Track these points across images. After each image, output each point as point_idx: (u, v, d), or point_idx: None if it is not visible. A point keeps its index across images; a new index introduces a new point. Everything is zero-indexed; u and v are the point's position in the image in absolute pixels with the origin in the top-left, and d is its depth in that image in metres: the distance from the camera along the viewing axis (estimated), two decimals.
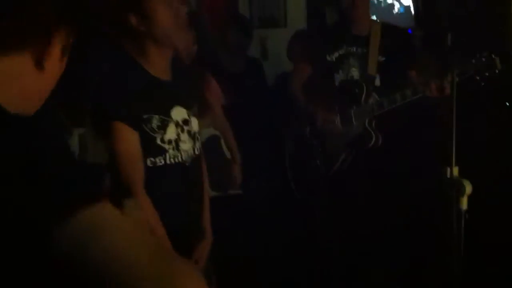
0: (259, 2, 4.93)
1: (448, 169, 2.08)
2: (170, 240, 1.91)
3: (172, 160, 2.04)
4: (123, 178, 1.92)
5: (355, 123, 3.00)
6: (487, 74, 2.60)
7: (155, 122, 1.98)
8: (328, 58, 3.12)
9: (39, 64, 0.87)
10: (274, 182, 4.24)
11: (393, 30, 3.15)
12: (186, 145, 2.08)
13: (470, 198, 2.02)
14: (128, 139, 1.94)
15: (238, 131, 3.73)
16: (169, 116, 2.02)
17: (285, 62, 4.23)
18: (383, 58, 3.05)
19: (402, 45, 3.07)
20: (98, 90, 1.95)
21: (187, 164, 2.10)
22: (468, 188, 2.04)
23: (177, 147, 2.05)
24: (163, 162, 2.01)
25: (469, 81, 2.60)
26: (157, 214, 1.96)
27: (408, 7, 4.23)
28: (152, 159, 2.00)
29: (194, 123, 2.13)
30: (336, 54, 3.11)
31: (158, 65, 2.01)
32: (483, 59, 2.62)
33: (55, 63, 0.91)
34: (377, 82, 3.04)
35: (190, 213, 2.16)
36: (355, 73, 3.08)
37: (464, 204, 2.02)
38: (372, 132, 2.96)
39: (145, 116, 1.96)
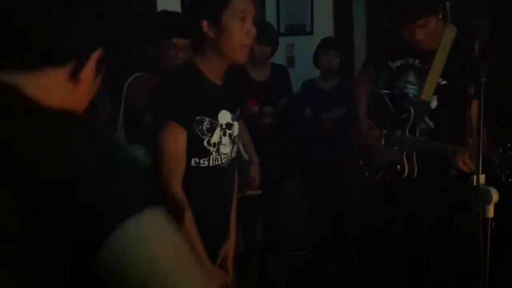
0: (286, 10, 4.96)
1: (475, 177, 2.07)
2: (202, 239, 1.98)
3: (214, 162, 2.08)
4: (164, 175, 1.97)
5: (396, 149, 2.78)
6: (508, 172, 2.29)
7: (205, 124, 2.03)
8: (390, 64, 2.85)
9: (73, 78, 0.93)
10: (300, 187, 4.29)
11: (466, 45, 2.65)
12: (227, 149, 2.12)
13: (496, 206, 2.01)
14: (177, 138, 1.99)
15: (264, 136, 3.78)
16: (217, 119, 2.07)
17: (311, 70, 4.25)
18: (444, 82, 2.70)
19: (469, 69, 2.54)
20: (157, 93, 2.05)
21: (225, 167, 2.14)
22: (495, 196, 2.03)
23: (218, 150, 2.09)
24: (206, 163, 2.06)
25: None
26: (192, 216, 1.99)
27: None
28: (196, 159, 2.04)
29: (236, 127, 2.17)
30: (398, 63, 2.82)
31: (216, 71, 2.07)
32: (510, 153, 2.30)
33: (89, 79, 0.96)
34: (434, 103, 2.73)
35: (222, 213, 2.21)
36: (410, 90, 2.78)
37: (491, 212, 2.01)
38: (406, 164, 2.73)
39: (197, 118, 2.01)
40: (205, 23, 1.96)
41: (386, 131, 2.82)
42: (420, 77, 2.74)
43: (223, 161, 2.13)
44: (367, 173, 2.91)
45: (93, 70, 0.95)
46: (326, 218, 4.03)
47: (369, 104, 3.00)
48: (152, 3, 4.15)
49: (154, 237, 0.83)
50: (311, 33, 5.03)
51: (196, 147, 2.03)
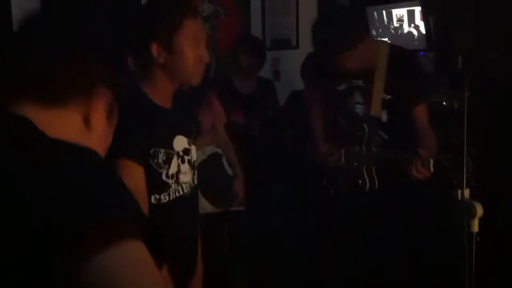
0: (271, 24, 4.97)
1: (459, 191, 2.08)
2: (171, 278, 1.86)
3: (174, 194, 1.95)
4: None
5: (356, 165, 2.87)
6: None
7: (161, 156, 1.89)
8: (337, 88, 2.91)
9: (86, 121, 0.96)
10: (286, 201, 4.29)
11: (402, 58, 2.81)
12: (187, 177, 1.99)
13: (481, 220, 2.02)
14: (135, 176, 1.82)
15: (252, 150, 3.79)
16: (172, 149, 1.94)
17: (297, 83, 4.26)
18: (389, 97, 2.78)
19: (411, 81, 2.75)
20: None
21: (187, 197, 2.01)
22: (479, 211, 2.03)
23: (177, 180, 1.95)
24: (167, 198, 1.93)
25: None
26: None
27: (419, 27, 4.25)
28: (156, 195, 1.91)
29: (193, 151, 2.04)
30: (343, 86, 2.89)
31: (163, 94, 1.94)
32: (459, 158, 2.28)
33: (101, 125, 0.99)
34: (385, 116, 2.82)
35: (189, 247, 2.09)
36: (359, 110, 2.87)
37: (475, 226, 2.01)
38: (366, 179, 2.83)
39: (151, 151, 1.87)
40: (154, 47, 1.85)
41: (345, 149, 2.91)
42: (366, 96, 2.84)
43: (185, 191, 1.99)
44: (331, 191, 3.00)
45: (103, 117, 0.97)
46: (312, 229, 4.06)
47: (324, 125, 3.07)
48: None
49: (134, 270, 0.82)
50: (297, 47, 5.05)
51: (154, 183, 1.87)
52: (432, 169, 2.43)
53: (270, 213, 4.21)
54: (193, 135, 2.05)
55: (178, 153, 1.95)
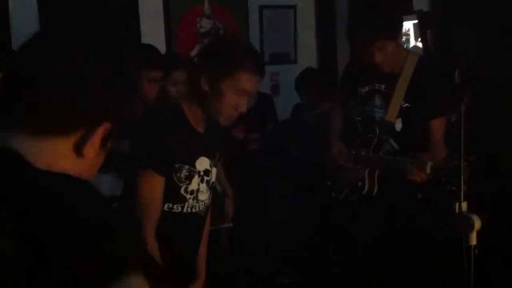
0: (270, 38, 5.00)
1: (457, 204, 2.09)
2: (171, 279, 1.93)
3: (189, 209, 2.06)
4: (138, 219, 1.93)
5: (359, 167, 2.90)
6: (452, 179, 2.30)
7: (184, 172, 2.00)
8: (360, 90, 2.97)
9: (78, 151, 0.96)
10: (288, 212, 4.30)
11: (428, 70, 2.85)
12: (204, 195, 2.10)
13: (479, 233, 2.02)
14: (155, 185, 1.96)
15: (252, 165, 3.80)
16: (195, 167, 2.04)
17: (296, 97, 4.29)
18: (407, 104, 2.80)
19: (433, 93, 2.75)
20: (141, 133, 1.99)
21: (202, 214, 2.13)
22: (477, 223, 2.04)
23: (196, 198, 2.07)
24: (179, 209, 2.04)
25: None
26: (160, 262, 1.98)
27: (416, 43, 4.27)
28: (170, 204, 2.02)
29: (213, 173, 2.15)
30: (366, 88, 2.95)
31: (200, 119, 2.05)
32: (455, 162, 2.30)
33: (93, 154, 0.98)
34: (399, 125, 2.84)
35: (192, 255, 2.21)
36: (377, 114, 2.90)
37: (474, 239, 2.02)
38: (367, 181, 2.86)
39: (176, 165, 1.98)
40: (203, 79, 1.95)
41: (354, 151, 2.94)
42: (385, 101, 2.87)
43: (201, 208, 2.11)
44: (333, 193, 3.01)
45: (97, 145, 0.97)
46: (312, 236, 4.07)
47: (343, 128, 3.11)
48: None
49: None
50: (295, 61, 5.08)
51: (171, 194, 2.00)
52: (428, 171, 2.44)
53: (272, 222, 4.21)
54: (216, 158, 2.16)
55: (199, 172, 2.06)
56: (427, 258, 2.89)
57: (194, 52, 4.59)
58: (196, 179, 2.05)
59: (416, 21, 4.20)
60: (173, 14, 4.51)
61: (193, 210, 2.07)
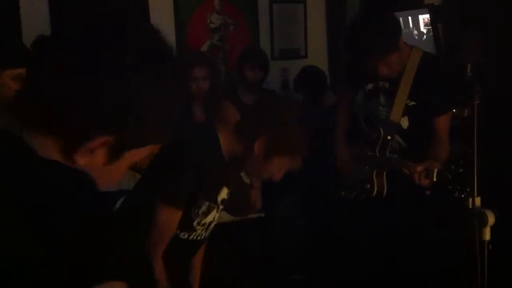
0: (280, 34, 4.99)
1: (470, 200, 2.08)
2: None
3: (195, 237, 2.06)
4: (150, 243, 1.94)
5: (367, 168, 2.85)
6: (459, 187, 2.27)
7: (203, 208, 1.99)
8: (364, 87, 2.90)
9: (68, 157, 0.92)
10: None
11: (432, 66, 2.76)
12: (213, 223, 2.11)
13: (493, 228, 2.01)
14: (171, 219, 1.94)
15: None
16: (216, 202, 2.03)
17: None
18: (413, 103, 2.74)
19: (438, 89, 2.68)
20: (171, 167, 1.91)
21: (204, 239, 2.14)
22: (491, 219, 2.03)
23: (207, 228, 2.07)
24: (186, 236, 2.03)
25: None
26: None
27: (430, 35, 4.24)
28: (177, 231, 2.01)
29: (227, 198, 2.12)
30: (370, 86, 2.88)
31: (230, 154, 1.99)
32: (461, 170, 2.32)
33: (91, 164, 0.94)
34: (406, 123, 2.78)
35: (185, 270, 2.23)
36: (381, 112, 2.83)
37: (487, 234, 2.01)
38: (375, 183, 2.80)
39: (197, 202, 1.97)
40: (259, 143, 1.90)
41: (359, 150, 2.90)
42: (390, 99, 2.79)
43: (207, 235, 2.11)
44: (343, 193, 2.96)
45: (91, 157, 0.93)
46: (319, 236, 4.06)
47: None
48: None
49: None
50: (306, 56, 5.07)
51: (182, 224, 1.98)
52: (435, 179, 2.40)
53: (282, 221, 4.22)
54: (232, 185, 2.13)
55: (218, 206, 2.05)
56: (438, 257, 2.88)
57: (204, 48, 4.60)
58: (213, 213, 2.04)
59: (427, 15, 4.18)
60: (183, 10, 4.51)
61: (199, 238, 2.07)
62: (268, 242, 4.07)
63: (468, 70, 2.44)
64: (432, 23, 4.13)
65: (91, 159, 0.93)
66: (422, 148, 2.68)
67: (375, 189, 2.80)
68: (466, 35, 3.68)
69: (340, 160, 3.00)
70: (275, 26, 4.96)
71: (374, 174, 2.80)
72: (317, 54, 5.04)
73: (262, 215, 3.38)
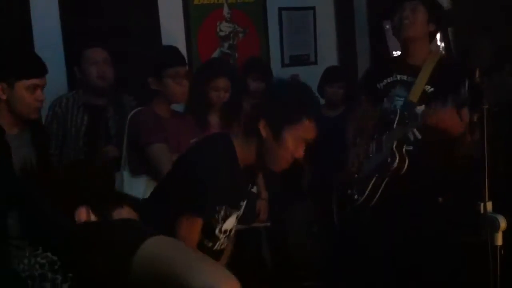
0: (290, 40, 5.00)
1: (482, 205, 2.07)
2: None
3: (219, 246, 2.06)
4: None
5: (384, 148, 2.86)
6: None
7: (222, 212, 1.98)
8: (378, 86, 2.99)
9: None
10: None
11: (450, 64, 2.95)
12: (233, 231, 2.12)
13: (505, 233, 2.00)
14: (193, 230, 1.92)
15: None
16: (238, 208, 2.03)
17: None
18: (432, 89, 2.84)
19: (455, 82, 2.68)
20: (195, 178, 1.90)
21: (223, 249, 2.13)
22: (503, 224, 2.02)
23: (228, 235, 2.07)
24: (210, 245, 2.03)
25: None
26: None
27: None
28: (202, 238, 2.01)
29: (243, 206, 2.13)
30: (384, 82, 2.98)
31: (246, 162, 2.00)
32: None
33: None
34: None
35: None
36: (398, 102, 2.91)
37: (499, 240, 2.00)
38: (396, 154, 2.78)
39: (217, 208, 1.97)
40: (263, 124, 1.90)
41: (376, 136, 2.93)
42: (408, 90, 2.88)
43: (226, 242, 2.11)
44: (356, 196, 2.95)
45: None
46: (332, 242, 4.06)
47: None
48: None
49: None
50: (315, 63, 5.08)
51: (205, 233, 1.98)
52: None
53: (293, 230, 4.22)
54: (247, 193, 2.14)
55: (239, 210, 2.08)
56: (452, 262, 2.87)
57: (214, 56, 4.62)
58: (233, 219, 2.06)
59: None
60: (193, 19, 4.54)
61: (221, 247, 2.07)
62: (280, 249, 4.08)
63: (477, 75, 2.43)
64: (442, 27, 4.13)
65: None
66: (438, 143, 2.73)
67: (396, 161, 2.78)
68: (475, 39, 3.67)
69: (352, 164, 3.02)
70: (285, 33, 4.98)
71: (394, 146, 2.80)
72: (327, 60, 5.04)
73: (268, 224, 3.39)
